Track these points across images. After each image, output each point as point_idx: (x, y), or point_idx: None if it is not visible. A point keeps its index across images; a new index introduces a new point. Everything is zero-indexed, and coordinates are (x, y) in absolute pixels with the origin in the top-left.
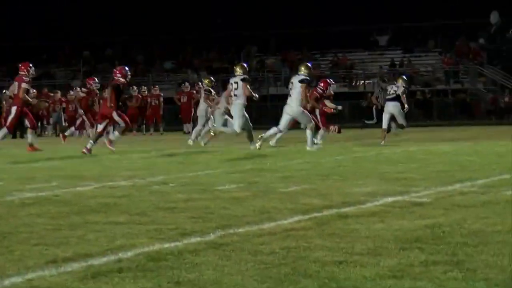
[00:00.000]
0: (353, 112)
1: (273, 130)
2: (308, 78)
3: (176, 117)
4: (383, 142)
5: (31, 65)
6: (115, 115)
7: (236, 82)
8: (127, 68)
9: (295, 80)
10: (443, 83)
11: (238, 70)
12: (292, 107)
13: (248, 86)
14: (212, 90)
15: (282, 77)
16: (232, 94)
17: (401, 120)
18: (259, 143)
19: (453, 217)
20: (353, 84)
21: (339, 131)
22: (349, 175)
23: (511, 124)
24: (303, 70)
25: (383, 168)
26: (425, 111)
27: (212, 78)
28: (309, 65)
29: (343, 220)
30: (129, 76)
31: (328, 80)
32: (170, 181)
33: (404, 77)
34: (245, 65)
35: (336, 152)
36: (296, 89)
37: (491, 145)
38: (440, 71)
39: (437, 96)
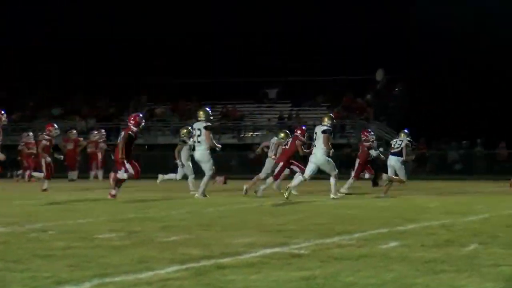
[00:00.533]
0: (241, 163)
1: (298, 179)
2: (330, 128)
3: (61, 164)
4: (383, 194)
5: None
6: (126, 164)
7: (200, 129)
8: (141, 115)
9: (318, 130)
10: None
11: (201, 115)
12: (317, 156)
13: (210, 135)
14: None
15: (171, 126)
16: (196, 140)
17: (402, 175)
18: (287, 192)
19: (329, 269)
20: (242, 135)
21: (225, 182)
22: (230, 226)
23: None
24: (326, 120)
25: (264, 219)
26: None
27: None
28: (332, 115)
29: (220, 271)
30: (143, 124)
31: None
32: (50, 229)
33: (406, 131)
34: (208, 110)
35: (219, 203)
36: (320, 139)
37: (373, 200)
38: None
39: None
